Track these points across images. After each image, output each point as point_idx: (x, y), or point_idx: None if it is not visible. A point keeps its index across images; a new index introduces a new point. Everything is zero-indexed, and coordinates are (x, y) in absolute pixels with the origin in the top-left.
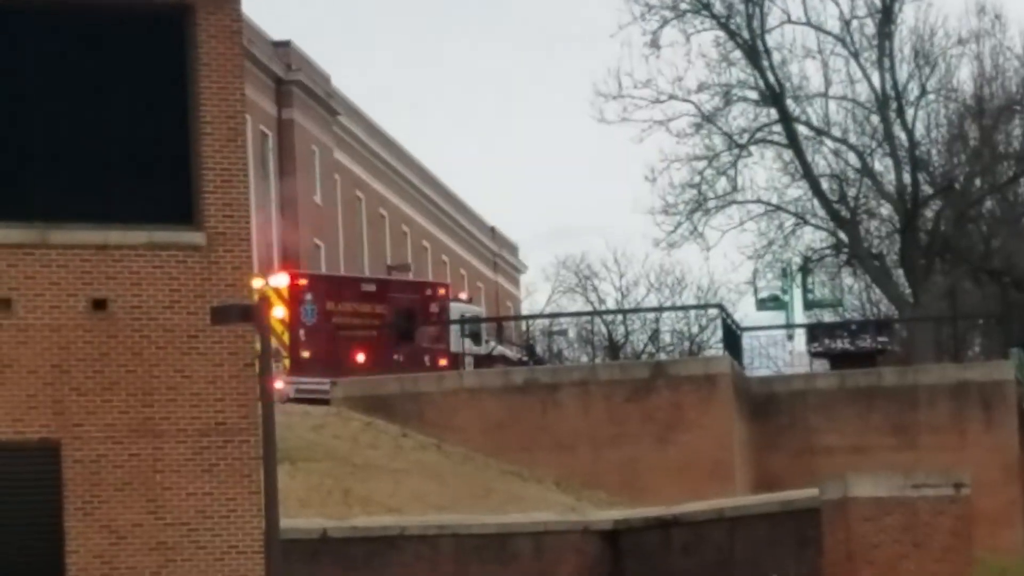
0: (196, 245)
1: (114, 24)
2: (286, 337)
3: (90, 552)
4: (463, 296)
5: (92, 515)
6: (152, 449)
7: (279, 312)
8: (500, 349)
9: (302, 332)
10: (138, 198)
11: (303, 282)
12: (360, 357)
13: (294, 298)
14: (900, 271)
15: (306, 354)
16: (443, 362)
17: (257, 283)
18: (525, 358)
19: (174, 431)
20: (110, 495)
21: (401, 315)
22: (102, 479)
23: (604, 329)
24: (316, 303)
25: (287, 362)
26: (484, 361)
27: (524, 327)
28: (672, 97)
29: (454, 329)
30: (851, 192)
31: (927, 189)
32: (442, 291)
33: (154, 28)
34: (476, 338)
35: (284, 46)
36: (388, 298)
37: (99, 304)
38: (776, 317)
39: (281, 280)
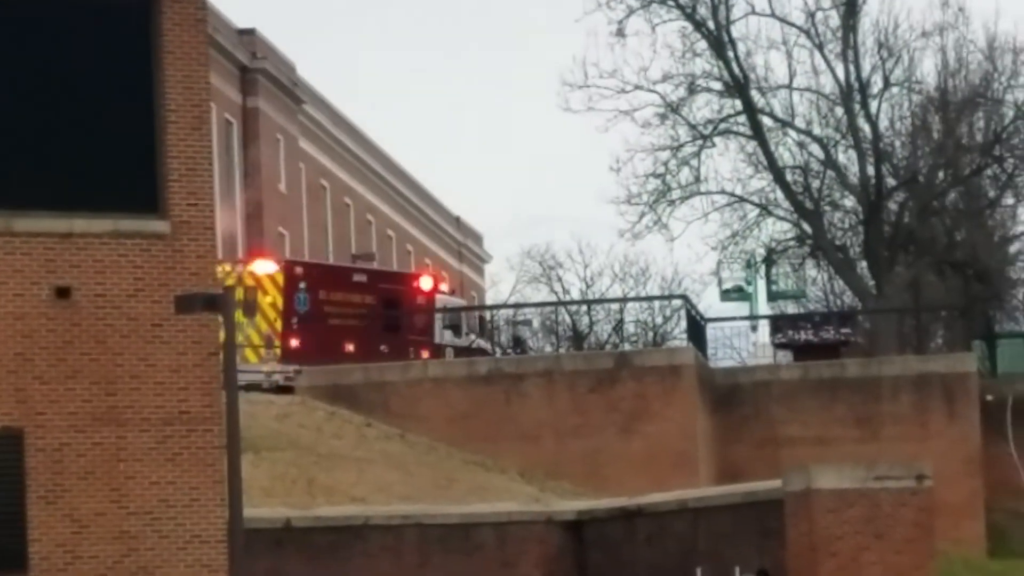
0: (160, 233)
1: (79, 12)
2: (279, 324)
3: (52, 541)
4: (445, 288)
5: (55, 504)
6: (115, 438)
7: (269, 300)
8: (479, 342)
9: (295, 320)
10: (102, 186)
11: (299, 270)
12: (349, 347)
13: (289, 286)
14: (863, 263)
15: (297, 343)
16: (426, 354)
17: (260, 270)
18: (511, 350)
19: (137, 420)
20: (73, 484)
21: (390, 306)
22: (65, 468)
23: (568, 319)
24: (310, 292)
25: (278, 349)
26: (464, 353)
27: (488, 317)
28: (637, 87)
29: (437, 321)
30: (815, 184)
31: (891, 181)
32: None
33: (119, 16)
34: (456, 330)
35: (249, 34)
36: (378, 289)
37: (63, 292)
38: (740, 308)
39: (275, 267)
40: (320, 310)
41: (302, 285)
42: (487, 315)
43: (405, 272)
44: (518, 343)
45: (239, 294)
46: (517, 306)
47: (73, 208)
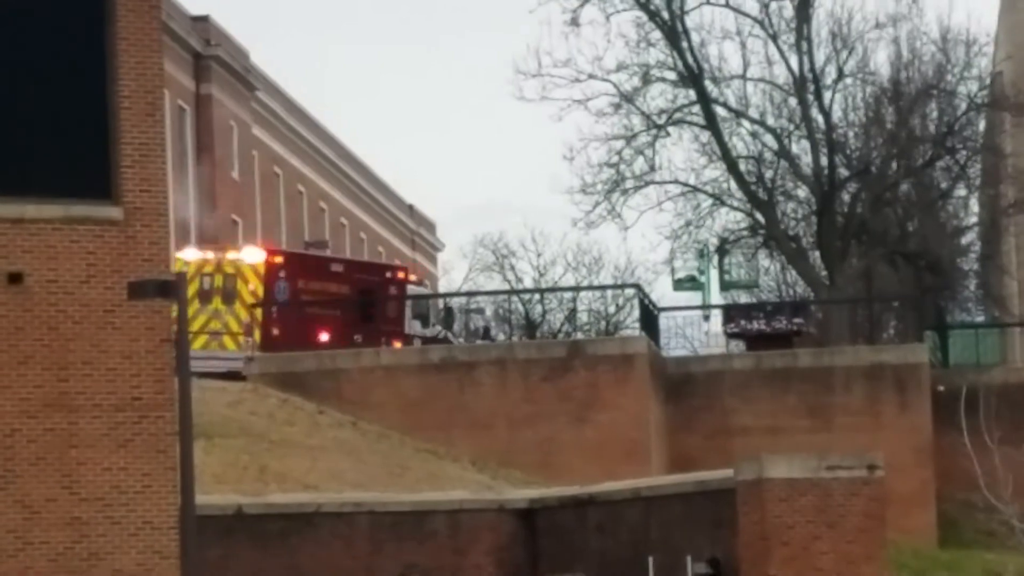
0: (113, 220)
1: None
2: (259, 313)
3: (3, 527)
4: (413, 278)
5: (5, 489)
6: (67, 424)
7: (251, 287)
8: (445, 332)
9: (274, 309)
10: (55, 172)
11: (279, 259)
12: (323, 336)
13: (269, 275)
14: (816, 253)
15: (276, 331)
16: (398, 344)
17: (240, 257)
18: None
19: (89, 406)
20: (24, 469)
21: (364, 296)
22: (16, 453)
23: (521, 308)
24: (288, 281)
25: (258, 336)
26: (431, 343)
27: (440, 305)
28: (591, 76)
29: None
30: (768, 174)
31: (844, 172)
32: (401, 274)
33: (73, 2)
34: (424, 320)
35: (203, 21)
36: (353, 279)
37: (15, 278)
38: (693, 298)
39: (257, 256)
40: (298, 299)
41: (282, 274)
42: (453, 305)
43: (380, 263)
44: (486, 333)
45: (218, 281)
46: (470, 294)
47: (25, 194)
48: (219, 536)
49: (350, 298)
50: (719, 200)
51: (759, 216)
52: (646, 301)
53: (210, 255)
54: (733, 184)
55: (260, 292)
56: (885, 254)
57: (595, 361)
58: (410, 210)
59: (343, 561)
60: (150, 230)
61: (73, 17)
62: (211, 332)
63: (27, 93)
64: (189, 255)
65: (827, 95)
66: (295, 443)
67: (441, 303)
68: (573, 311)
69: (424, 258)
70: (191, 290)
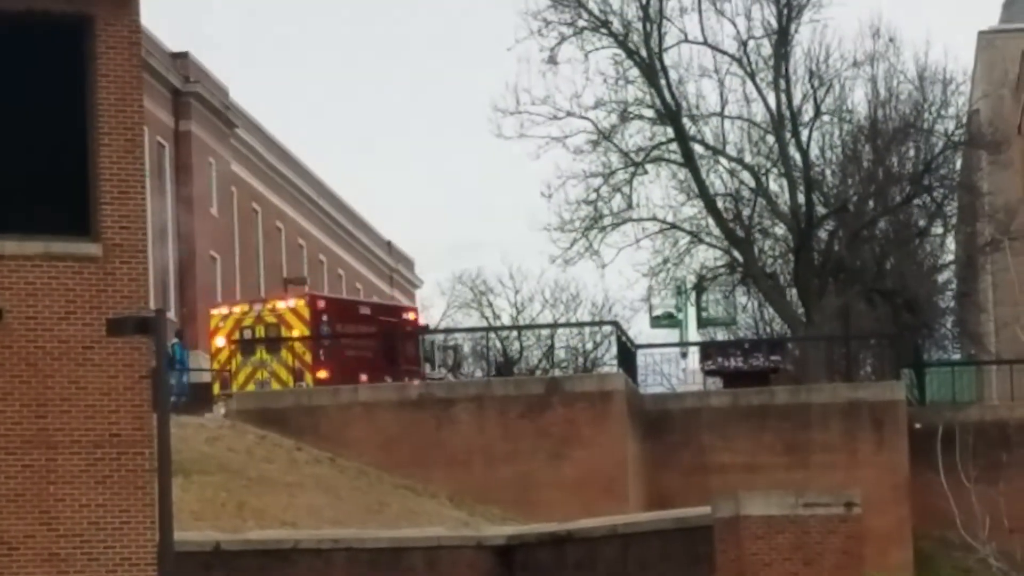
0: (92, 256)
1: (12, 34)
2: (308, 357)
3: None
4: (423, 321)
5: None
6: (45, 460)
7: (297, 333)
8: (449, 373)
9: (321, 352)
10: (35, 208)
11: (321, 303)
12: (363, 377)
13: (314, 319)
14: (794, 290)
15: (323, 374)
16: (417, 383)
17: (281, 305)
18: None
19: (68, 442)
20: (2, 506)
21: (388, 337)
22: None
23: (499, 345)
24: (330, 325)
25: (310, 380)
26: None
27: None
28: (569, 114)
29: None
30: (746, 211)
31: (821, 210)
32: (412, 315)
33: (52, 38)
34: (432, 362)
35: (182, 57)
36: (379, 321)
37: None
38: (670, 335)
39: (302, 302)
40: (338, 343)
41: (324, 318)
42: (461, 346)
43: (397, 305)
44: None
45: (259, 332)
46: (448, 331)
47: (4, 230)
48: (197, 572)
49: (387, 338)
50: (697, 237)
51: (737, 254)
52: (624, 338)
53: (246, 307)
54: (711, 221)
55: (305, 335)
56: (862, 292)
57: (573, 398)
58: (388, 247)
59: None
60: (129, 267)
61: (54, 54)
62: (259, 381)
63: (7, 129)
64: (224, 310)
65: (804, 133)
66: (273, 480)
67: (443, 342)
68: (551, 348)
69: (402, 295)
70: (231, 341)
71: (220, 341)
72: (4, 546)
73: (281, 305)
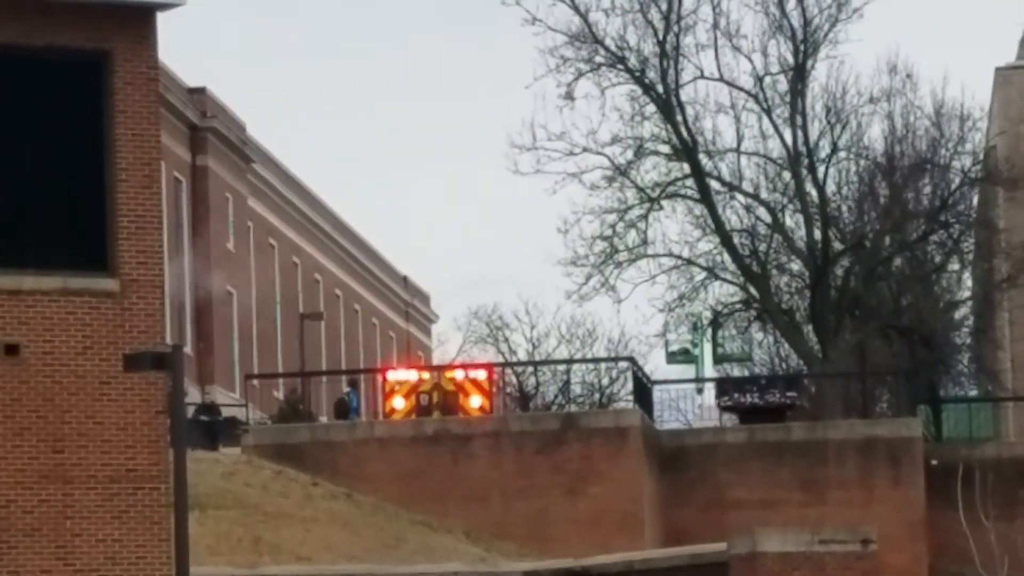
0: (109, 291)
1: (31, 70)
2: None
3: None
4: None
5: (0, 561)
6: (62, 495)
7: (476, 402)
8: None
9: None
10: (52, 244)
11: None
12: None
13: (491, 388)
14: (810, 327)
15: None
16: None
17: (459, 374)
18: None
19: (84, 477)
20: (19, 541)
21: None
22: (11, 524)
23: (515, 380)
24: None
25: None
26: None
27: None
28: (586, 150)
29: None
30: (762, 247)
31: (837, 245)
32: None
33: (71, 74)
34: None
35: (199, 93)
36: None
37: (11, 349)
38: (686, 371)
39: (481, 373)
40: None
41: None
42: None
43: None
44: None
45: (436, 398)
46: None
47: (22, 265)
48: None
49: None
50: (712, 273)
51: (753, 289)
52: (639, 374)
53: (426, 375)
54: (727, 257)
55: (487, 405)
56: (878, 328)
57: (589, 434)
58: (404, 282)
59: None
60: (146, 302)
61: (72, 89)
62: None
63: (26, 165)
64: (401, 375)
65: (821, 169)
66: (289, 515)
67: None
68: (567, 383)
69: (418, 330)
70: (407, 407)
71: (398, 402)
72: None
73: (462, 375)
